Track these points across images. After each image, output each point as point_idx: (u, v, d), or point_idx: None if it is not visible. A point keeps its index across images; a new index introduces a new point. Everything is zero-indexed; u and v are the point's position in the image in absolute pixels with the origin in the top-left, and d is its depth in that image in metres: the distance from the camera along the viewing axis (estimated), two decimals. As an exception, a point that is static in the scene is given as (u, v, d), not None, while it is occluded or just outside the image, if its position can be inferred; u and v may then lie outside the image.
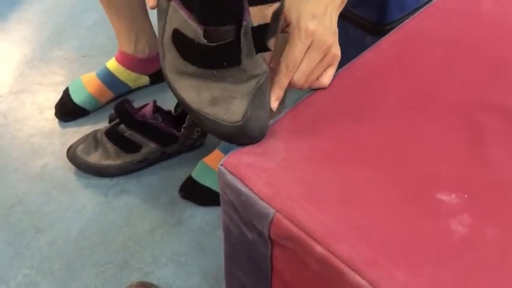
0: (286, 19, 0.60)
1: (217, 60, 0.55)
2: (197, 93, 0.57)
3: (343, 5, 0.64)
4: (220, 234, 0.95)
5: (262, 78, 0.57)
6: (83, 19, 1.42)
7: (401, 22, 1.01)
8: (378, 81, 0.65)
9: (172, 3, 0.56)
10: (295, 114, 0.61)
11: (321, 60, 0.60)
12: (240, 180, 0.53)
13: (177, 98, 0.59)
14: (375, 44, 0.71)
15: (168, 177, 1.04)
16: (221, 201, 0.60)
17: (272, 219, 0.51)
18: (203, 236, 0.95)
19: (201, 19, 0.53)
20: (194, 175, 1.00)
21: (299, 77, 0.60)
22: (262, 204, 0.51)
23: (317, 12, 0.59)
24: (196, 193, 0.99)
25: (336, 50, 0.61)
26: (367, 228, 0.48)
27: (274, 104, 0.61)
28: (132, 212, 0.98)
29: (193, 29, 0.54)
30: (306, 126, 0.59)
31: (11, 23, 1.42)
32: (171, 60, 0.57)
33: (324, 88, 0.63)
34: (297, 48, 0.59)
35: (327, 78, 0.63)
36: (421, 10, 0.77)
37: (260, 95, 0.57)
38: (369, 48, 0.70)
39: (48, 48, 1.34)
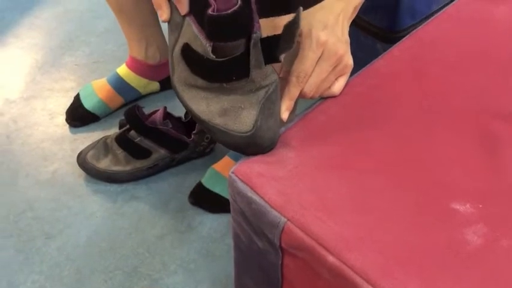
0: None
1: (226, 74, 0.55)
2: (207, 104, 0.57)
3: (355, 14, 0.64)
4: (229, 241, 0.95)
5: (272, 87, 0.57)
6: (94, 26, 1.43)
7: (412, 29, 1.01)
8: (390, 89, 0.64)
9: (187, 18, 0.56)
10: (306, 122, 0.60)
11: (333, 70, 0.60)
12: (251, 188, 0.53)
13: (187, 109, 0.59)
14: (387, 51, 0.71)
15: (177, 183, 1.04)
16: (231, 209, 0.59)
17: (283, 228, 0.50)
18: (212, 243, 0.94)
19: (209, 36, 0.54)
20: (204, 182, 0.99)
21: (310, 88, 0.60)
22: (273, 212, 0.51)
23: (328, 21, 0.59)
24: (206, 200, 0.99)
25: (348, 59, 0.61)
26: (380, 238, 0.48)
27: (284, 115, 0.60)
28: (141, 218, 0.98)
29: (202, 45, 0.54)
30: (317, 134, 0.59)
31: (22, 29, 1.43)
32: (180, 73, 0.58)
33: (334, 96, 0.62)
34: (308, 59, 0.58)
35: (338, 88, 0.62)
36: (433, 17, 0.76)
37: (269, 104, 0.57)
38: (381, 56, 0.70)
39: (59, 55, 1.34)
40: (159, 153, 1.02)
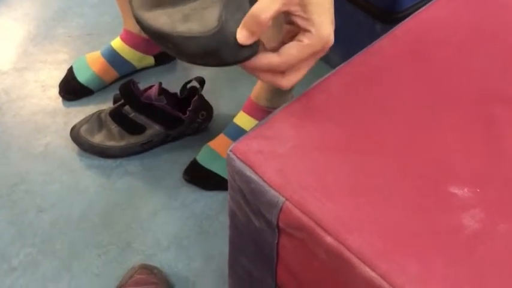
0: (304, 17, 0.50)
1: None
2: (168, 16, 0.53)
3: None
4: (223, 219, 0.95)
5: None
6: (88, -3, 1.40)
7: (412, 10, 1.00)
8: (392, 70, 0.64)
9: None
10: (306, 100, 0.59)
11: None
12: (250, 167, 0.52)
13: (148, 32, 0.54)
14: (389, 31, 0.70)
15: (171, 160, 1.03)
16: (229, 187, 0.59)
17: (281, 208, 0.50)
18: (206, 220, 0.94)
19: None
20: (199, 159, 0.99)
21: (290, 83, 0.52)
22: (272, 192, 0.50)
23: (331, 14, 0.50)
24: (201, 177, 0.98)
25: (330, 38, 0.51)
26: (378, 220, 0.48)
27: (240, 35, 0.49)
28: (135, 194, 0.98)
29: None
30: (317, 113, 0.58)
31: (15, -1, 1.40)
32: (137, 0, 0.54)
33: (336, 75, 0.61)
34: (305, 55, 0.50)
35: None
36: (436, -1, 0.75)
37: (234, 1, 0.51)
38: (383, 36, 0.69)
39: (52, 26, 1.32)
40: (154, 129, 1.01)
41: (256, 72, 0.52)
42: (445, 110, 0.58)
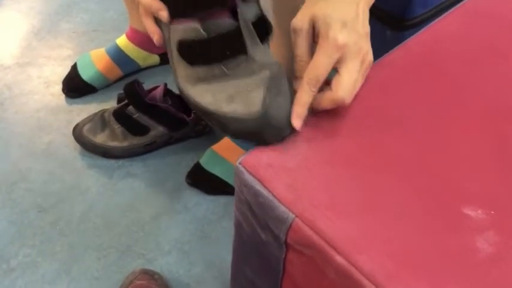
0: (314, 27, 0.54)
1: (221, 50, 0.55)
2: (212, 95, 0.55)
3: None
4: (226, 224, 0.94)
5: (275, 67, 0.56)
6: (94, -8, 1.39)
7: (423, 18, 0.99)
8: (404, 83, 0.62)
9: (172, 26, 0.57)
10: (319, 112, 0.58)
11: (360, 69, 0.55)
12: (259, 181, 0.51)
13: (194, 107, 0.57)
14: (403, 43, 0.69)
15: (174, 162, 1.02)
16: (235, 198, 0.58)
17: (291, 225, 0.49)
18: (208, 225, 0.93)
19: (191, 8, 0.55)
20: (202, 162, 0.98)
21: (346, 93, 0.54)
22: (282, 208, 0.49)
23: (347, 17, 0.53)
24: (204, 181, 0.97)
25: (371, 56, 0.56)
26: (390, 240, 0.47)
27: (295, 122, 0.54)
28: (137, 196, 0.97)
29: (193, 29, 0.56)
30: (329, 125, 0.57)
31: (20, -9, 1.38)
32: (182, 73, 0.57)
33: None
34: (322, 64, 0.53)
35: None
36: (450, 11, 0.74)
37: (276, 83, 0.54)
38: (396, 47, 0.68)
39: (57, 20, 1.30)
40: (158, 130, 0.99)
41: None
42: (457, 126, 0.57)
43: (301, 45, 0.55)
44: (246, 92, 0.54)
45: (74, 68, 1.13)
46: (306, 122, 0.57)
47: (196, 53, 0.56)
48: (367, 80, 0.62)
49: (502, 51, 0.67)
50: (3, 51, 1.22)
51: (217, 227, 0.93)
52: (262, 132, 0.53)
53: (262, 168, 0.52)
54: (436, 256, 0.46)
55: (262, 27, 0.57)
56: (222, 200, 0.97)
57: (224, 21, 0.56)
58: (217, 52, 0.55)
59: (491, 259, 0.46)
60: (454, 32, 0.70)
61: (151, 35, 0.60)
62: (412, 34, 0.72)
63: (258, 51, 0.56)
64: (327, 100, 0.54)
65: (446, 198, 0.50)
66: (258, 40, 0.57)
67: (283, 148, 0.54)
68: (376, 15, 1.02)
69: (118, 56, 1.12)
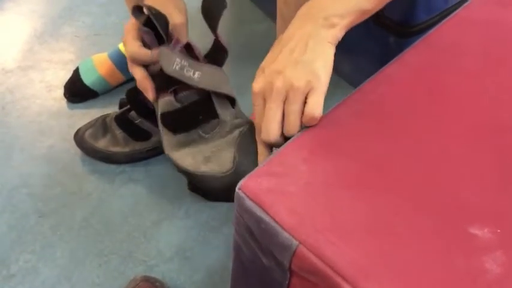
0: None
1: (195, 117, 0.65)
2: (192, 157, 0.64)
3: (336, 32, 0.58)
4: (227, 231, 0.93)
5: (246, 127, 0.64)
6: (96, -4, 1.38)
7: (427, 25, 0.98)
8: (402, 97, 0.61)
9: (158, 101, 0.70)
10: (316, 132, 0.57)
11: (286, 102, 0.55)
12: (260, 207, 0.49)
13: (179, 169, 0.66)
14: (398, 56, 0.68)
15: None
16: (235, 223, 0.56)
17: (295, 252, 0.47)
18: (209, 232, 0.93)
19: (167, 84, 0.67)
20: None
21: (264, 134, 0.56)
22: (285, 235, 0.47)
23: (267, 64, 0.57)
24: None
25: (291, 78, 0.54)
26: (396, 264, 0.45)
27: (260, 158, 0.58)
28: (138, 202, 0.96)
29: (168, 102, 0.67)
30: (329, 146, 0.55)
31: (22, -5, 1.38)
32: (167, 141, 0.68)
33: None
34: (255, 114, 0.57)
35: (310, 109, 0.54)
36: (445, 20, 0.73)
37: (246, 141, 0.63)
38: (393, 61, 0.67)
39: (59, 24, 1.30)
40: (159, 136, 0.99)
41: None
42: (459, 141, 0.56)
43: (256, 104, 0.58)
44: (219, 151, 0.63)
45: (76, 72, 1.13)
46: (304, 144, 0.56)
47: (175, 122, 0.66)
48: (365, 94, 0.61)
49: (497, 60, 0.66)
50: (5, 54, 1.22)
51: (218, 234, 0.93)
52: (235, 186, 0.55)
53: (262, 194, 0.50)
54: (445, 279, 0.45)
55: (228, 97, 0.66)
56: (223, 206, 0.96)
57: (195, 92, 0.66)
58: (191, 118, 0.65)
59: (500, 280, 0.45)
60: (450, 42, 0.69)
61: (145, 91, 0.72)
62: (416, 40, 0.71)
63: (228, 114, 0.65)
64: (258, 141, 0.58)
65: (452, 217, 0.49)
66: (228, 104, 0.66)
67: (284, 172, 0.52)
68: (380, 21, 1.02)
69: (120, 61, 1.12)
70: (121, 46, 1.12)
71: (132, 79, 1.14)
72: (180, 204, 0.96)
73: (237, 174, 0.60)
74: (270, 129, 0.56)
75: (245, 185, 0.51)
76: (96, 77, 1.11)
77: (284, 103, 0.55)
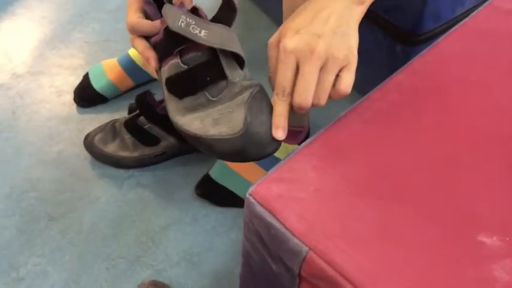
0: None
1: (202, 78, 0.61)
2: (200, 121, 0.59)
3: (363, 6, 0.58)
4: (234, 236, 0.94)
5: (256, 88, 0.60)
6: (105, 2, 1.40)
7: (434, 33, 0.99)
8: (411, 106, 0.62)
9: (162, 70, 0.65)
10: (326, 138, 0.58)
11: (322, 69, 0.54)
12: (271, 212, 0.50)
13: (184, 135, 0.62)
14: (407, 64, 0.68)
15: (184, 173, 1.02)
16: (244, 228, 0.57)
17: (305, 257, 0.48)
18: (217, 236, 0.93)
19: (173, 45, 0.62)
20: (211, 174, 0.98)
21: (300, 98, 0.55)
22: (295, 240, 0.48)
23: (303, 24, 0.55)
24: (213, 192, 0.97)
25: (336, 51, 0.54)
26: (406, 271, 0.46)
27: (275, 133, 0.56)
28: (146, 207, 0.97)
29: (175, 65, 0.62)
30: (339, 153, 0.56)
31: (33, 1, 1.39)
32: (173, 107, 0.63)
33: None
34: (280, 72, 0.55)
35: (344, 85, 0.56)
36: (452, 29, 0.74)
37: (256, 102, 0.58)
38: (401, 69, 0.68)
39: (69, 30, 1.31)
40: (168, 141, 1.00)
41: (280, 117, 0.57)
42: (468, 150, 0.56)
43: (271, 58, 0.58)
44: (228, 113, 0.58)
45: (86, 77, 1.14)
46: (315, 151, 0.56)
47: (182, 85, 0.62)
48: (374, 101, 0.62)
49: (505, 70, 0.67)
50: (15, 59, 1.23)
51: (225, 239, 0.93)
52: (246, 149, 0.56)
53: (273, 200, 0.51)
54: (454, 287, 0.45)
55: (237, 58, 0.62)
56: (230, 211, 0.97)
57: (202, 52, 0.62)
58: (198, 80, 0.61)
59: (510, 288, 0.45)
60: (458, 51, 0.70)
61: (146, 60, 0.67)
62: (424, 49, 0.72)
63: (237, 75, 0.61)
64: (287, 106, 0.57)
65: (461, 225, 0.49)
66: (236, 65, 0.62)
67: (294, 178, 0.53)
68: (387, 29, 1.03)
69: (130, 67, 1.13)
70: (130, 52, 1.14)
71: (141, 84, 1.16)
72: (187, 209, 0.97)
73: (248, 135, 0.55)
74: (308, 93, 0.55)
75: (255, 191, 0.52)
76: (106, 82, 1.12)
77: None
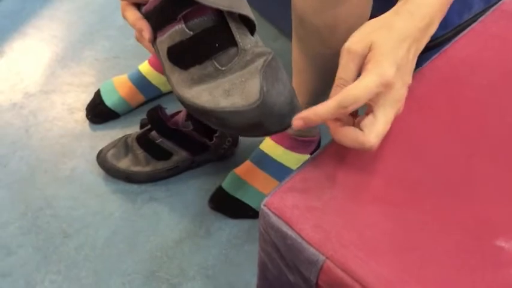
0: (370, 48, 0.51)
1: (210, 44, 0.54)
2: (209, 93, 0.53)
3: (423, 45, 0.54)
4: (249, 248, 0.94)
5: (270, 56, 0.53)
6: (114, 19, 1.41)
7: (444, 39, 0.99)
8: (423, 112, 0.62)
9: (158, 40, 0.58)
10: (338, 148, 0.57)
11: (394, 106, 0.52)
12: (286, 223, 0.50)
13: (191, 110, 0.55)
14: (417, 70, 0.68)
15: (197, 186, 1.03)
16: (260, 239, 0.57)
17: (322, 267, 0.48)
18: (231, 249, 0.93)
19: (172, 9, 0.55)
20: (224, 186, 0.98)
21: (378, 138, 0.50)
22: (311, 250, 0.48)
23: (400, 60, 0.50)
24: (227, 205, 0.97)
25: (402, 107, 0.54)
26: (424, 279, 0.45)
27: (296, 122, 0.51)
28: (160, 221, 0.97)
29: (178, 31, 0.55)
30: (352, 161, 0.56)
31: (43, 21, 1.41)
32: (177, 79, 0.56)
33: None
34: (367, 88, 0.49)
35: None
36: (461, 34, 0.74)
37: (271, 70, 0.52)
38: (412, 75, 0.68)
39: (79, 48, 1.33)
40: (180, 155, 1.00)
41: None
42: (481, 156, 0.56)
43: (351, 69, 0.51)
44: (241, 83, 0.52)
45: (98, 94, 1.15)
46: (329, 159, 0.56)
47: (186, 53, 0.55)
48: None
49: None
50: (27, 79, 1.25)
51: (240, 251, 0.93)
52: (264, 122, 0.51)
53: (288, 210, 0.51)
54: None
55: (247, 23, 0.56)
56: (244, 224, 0.97)
57: (208, 17, 0.55)
58: (206, 46, 0.54)
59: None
60: (468, 56, 0.69)
61: (140, 30, 0.61)
62: (433, 55, 0.72)
63: (248, 42, 0.54)
64: (354, 140, 0.50)
65: (478, 231, 0.49)
66: (246, 30, 0.55)
67: (308, 188, 0.53)
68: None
69: (140, 82, 1.14)
70: (141, 67, 1.15)
71: (152, 99, 1.17)
72: (201, 223, 0.97)
73: (265, 106, 0.50)
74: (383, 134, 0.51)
75: (270, 202, 0.52)
76: (117, 98, 1.13)
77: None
